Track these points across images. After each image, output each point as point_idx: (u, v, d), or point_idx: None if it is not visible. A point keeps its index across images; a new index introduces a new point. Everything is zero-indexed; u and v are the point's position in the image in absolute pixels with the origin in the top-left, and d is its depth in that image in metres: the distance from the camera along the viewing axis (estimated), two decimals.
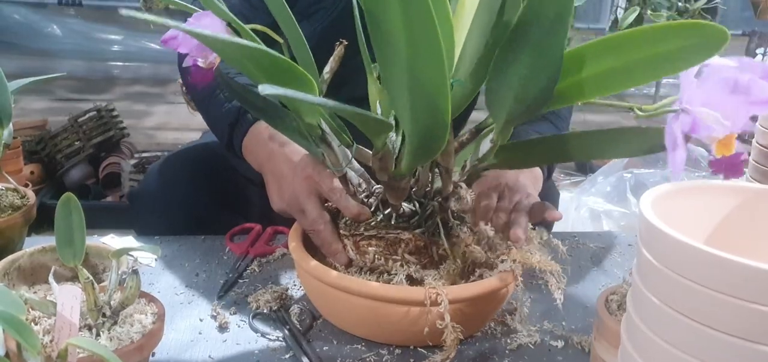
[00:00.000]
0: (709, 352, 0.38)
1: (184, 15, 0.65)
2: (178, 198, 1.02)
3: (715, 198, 0.50)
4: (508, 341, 0.72)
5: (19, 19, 4.29)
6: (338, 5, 0.98)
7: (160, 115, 3.78)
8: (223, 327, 0.72)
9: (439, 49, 0.50)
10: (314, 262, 0.70)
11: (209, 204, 1.04)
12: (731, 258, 0.36)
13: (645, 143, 0.61)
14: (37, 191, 2.20)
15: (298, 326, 0.73)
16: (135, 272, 0.59)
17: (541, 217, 0.77)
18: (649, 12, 2.49)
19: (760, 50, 2.98)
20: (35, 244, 0.73)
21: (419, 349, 0.69)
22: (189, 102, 2.63)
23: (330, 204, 0.74)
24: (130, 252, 0.63)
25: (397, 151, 0.68)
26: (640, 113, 0.56)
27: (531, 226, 0.76)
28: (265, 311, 0.76)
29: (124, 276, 0.59)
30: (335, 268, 0.71)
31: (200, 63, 0.65)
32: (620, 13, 2.58)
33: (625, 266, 0.93)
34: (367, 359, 0.68)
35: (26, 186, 1.04)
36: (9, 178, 0.86)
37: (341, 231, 0.73)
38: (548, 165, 0.98)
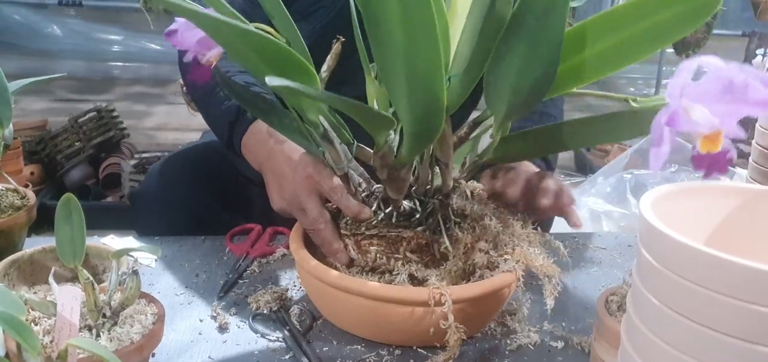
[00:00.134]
0: (708, 353, 0.38)
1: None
2: (179, 199, 1.02)
3: (715, 199, 0.50)
4: (508, 342, 0.72)
5: (19, 20, 4.30)
6: (337, 4, 0.98)
7: (160, 115, 3.78)
8: (223, 328, 0.72)
9: (435, 37, 0.51)
10: (315, 262, 0.70)
11: (210, 204, 1.04)
12: (731, 260, 0.36)
13: (639, 126, 0.61)
14: (38, 192, 2.19)
15: (298, 327, 0.73)
16: (135, 273, 0.59)
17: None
18: None
19: (760, 51, 2.97)
20: (35, 245, 0.73)
21: (419, 350, 0.69)
22: (189, 102, 2.64)
23: (330, 204, 0.74)
24: (130, 253, 0.63)
25: (396, 149, 0.68)
26: (635, 105, 0.56)
27: (532, 226, 0.76)
28: (265, 312, 0.76)
29: (124, 277, 0.59)
30: (336, 268, 0.71)
31: (199, 59, 0.65)
32: None
33: (625, 267, 0.93)
34: (367, 359, 0.68)
35: (26, 186, 1.04)
36: (9, 178, 0.86)
37: (342, 231, 0.73)
38: (547, 160, 0.98)
